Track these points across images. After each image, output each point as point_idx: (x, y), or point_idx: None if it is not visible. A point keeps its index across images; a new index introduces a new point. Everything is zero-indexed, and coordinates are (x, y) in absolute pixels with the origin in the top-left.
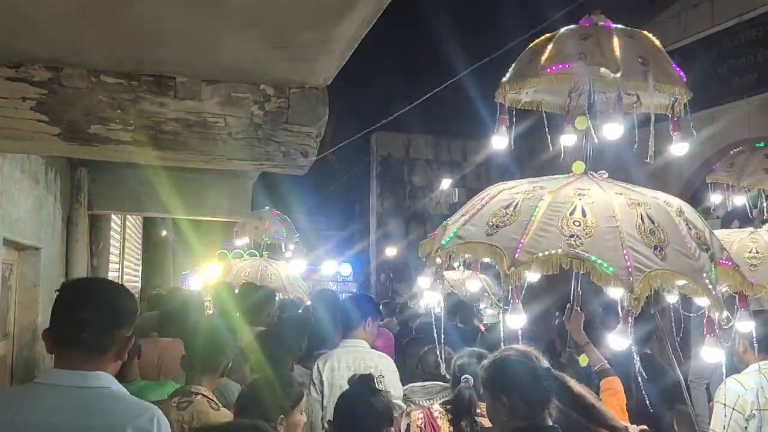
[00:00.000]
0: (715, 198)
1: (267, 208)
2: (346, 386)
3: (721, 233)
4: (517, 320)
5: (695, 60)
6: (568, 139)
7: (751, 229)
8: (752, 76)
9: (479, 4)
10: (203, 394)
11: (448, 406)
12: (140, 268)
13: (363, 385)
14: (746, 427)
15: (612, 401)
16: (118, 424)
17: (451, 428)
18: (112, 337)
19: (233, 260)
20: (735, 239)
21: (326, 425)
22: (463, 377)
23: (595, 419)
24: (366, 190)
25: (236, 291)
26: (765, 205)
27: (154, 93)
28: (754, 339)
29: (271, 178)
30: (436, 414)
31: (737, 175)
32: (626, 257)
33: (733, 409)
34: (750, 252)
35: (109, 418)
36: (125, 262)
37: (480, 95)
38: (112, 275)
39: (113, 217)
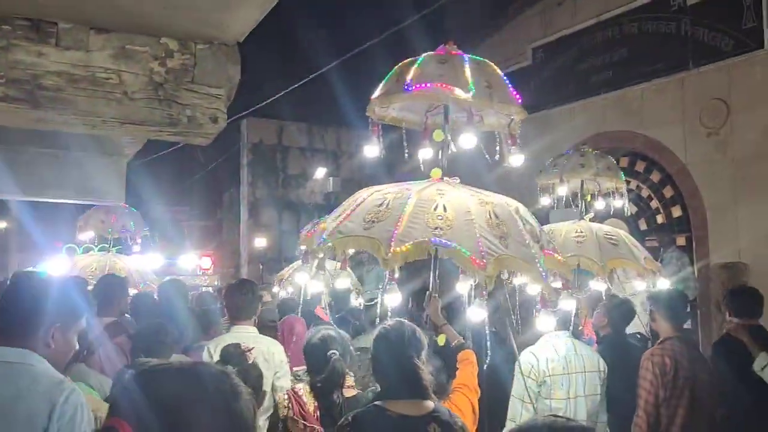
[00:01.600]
0: (543, 200)
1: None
2: None
3: (553, 225)
4: (394, 298)
5: (557, 57)
6: (425, 152)
7: (575, 220)
8: (608, 73)
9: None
10: None
11: (319, 384)
12: None
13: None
14: (539, 392)
15: (467, 369)
16: (23, 394)
17: (317, 403)
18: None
19: (79, 255)
20: (564, 226)
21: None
22: (329, 352)
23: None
24: (236, 178)
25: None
26: (583, 204)
27: (31, 40)
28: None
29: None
30: (300, 392)
31: (560, 174)
32: (480, 244)
33: (528, 377)
34: (576, 232)
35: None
36: None
37: (350, 86)
38: None
39: None
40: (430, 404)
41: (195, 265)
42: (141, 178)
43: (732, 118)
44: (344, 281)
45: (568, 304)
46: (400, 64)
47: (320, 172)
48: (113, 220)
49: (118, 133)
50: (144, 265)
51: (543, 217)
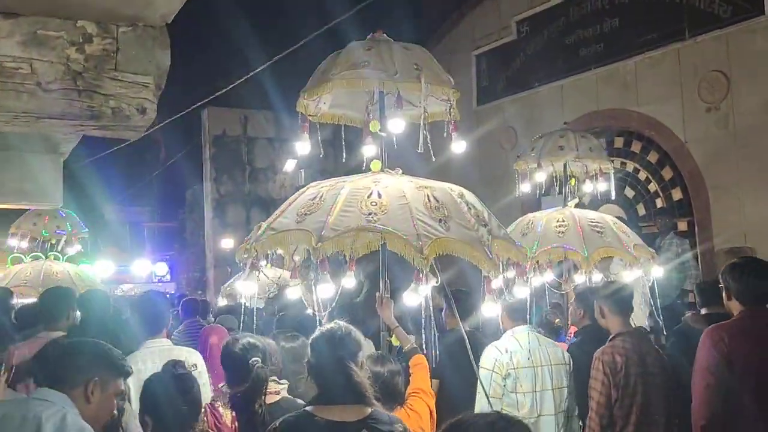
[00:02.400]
0: (524, 187)
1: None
2: None
3: (533, 214)
4: (326, 289)
5: (544, 30)
6: (368, 150)
7: (560, 207)
8: (598, 46)
9: None
10: None
11: (238, 395)
12: None
13: (171, 367)
14: (504, 385)
15: (421, 374)
16: None
17: (233, 413)
18: None
19: (10, 265)
20: (545, 214)
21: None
22: (252, 360)
23: None
24: (198, 174)
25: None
26: (568, 189)
27: None
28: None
29: (71, 163)
30: (217, 404)
31: (537, 158)
32: (416, 227)
33: (492, 371)
34: (557, 222)
35: None
36: None
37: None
38: None
39: None
40: (366, 410)
41: (149, 271)
42: (90, 179)
43: (733, 90)
44: (295, 291)
45: (522, 292)
46: (327, 57)
47: (290, 165)
48: (45, 221)
49: (34, 130)
50: (85, 269)
51: (533, 205)
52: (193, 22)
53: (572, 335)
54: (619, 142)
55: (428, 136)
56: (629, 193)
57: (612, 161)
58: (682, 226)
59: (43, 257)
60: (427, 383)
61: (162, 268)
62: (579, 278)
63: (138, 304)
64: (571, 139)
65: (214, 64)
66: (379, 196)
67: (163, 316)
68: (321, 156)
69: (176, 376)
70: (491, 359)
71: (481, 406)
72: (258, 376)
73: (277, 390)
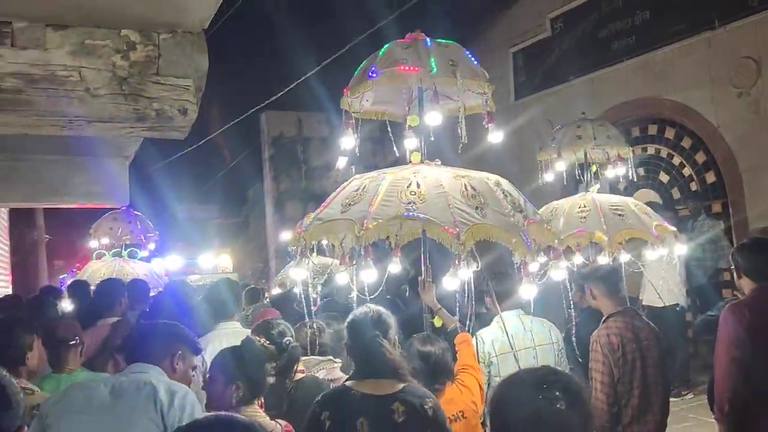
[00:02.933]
0: (548, 176)
1: (125, 208)
2: None
3: (556, 202)
4: (369, 275)
5: (577, 25)
6: (409, 143)
7: (582, 193)
8: (630, 38)
9: None
10: None
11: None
12: (8, 273)
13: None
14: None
15: (467, 350)
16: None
17: None
18: None
19: (92, 261)
20: (568, 201)
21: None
22: (285, 340)
23: None
24: (259, 173)
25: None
26: (589, 176)
27: None
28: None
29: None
30: None
31: (557, 148)
32: (454, 214)
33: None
34: (579, 208)
35: None
36: None
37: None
38: None
39: None
40: (399, 384)
41: (214, 263)
42: (163, 181)
43: (763, 75)
44: (343, 276)
45: (558, 275)
46: (368, 57)
47: (342, 162)
48: (120, 223)
49: (88, 133)
50: (155, 268)
51: (554, 195)
52: (249, 33)
53: None
54: (652, 129)
55: (465, 129)
56: (664, 178)
57: (659, 149)
58: (717, 208)
59: (119, 256)
60: (474, 359)
61: (225, 260)
62: (603, 260)
63: (210, 291)
64: (588, 129)
65: (270, 70)
66: (418, 186)
67: (231, 302)
68: (370, 152)
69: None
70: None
71: None
72: (291, 354)
73: (302, 369)
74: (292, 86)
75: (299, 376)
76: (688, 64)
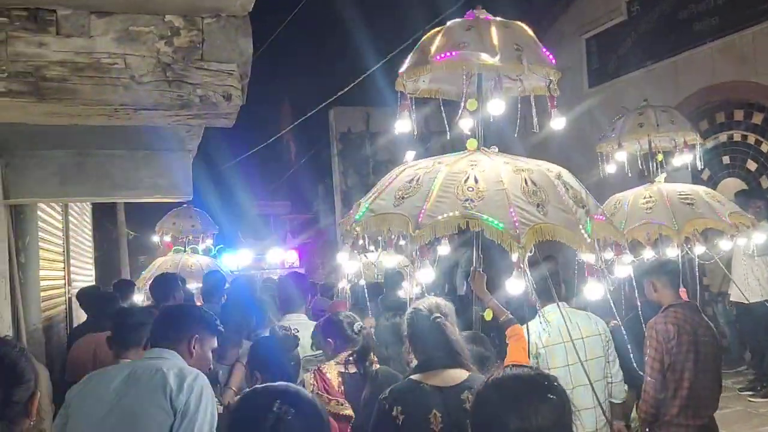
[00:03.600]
0: (609, 168)
1: (185, 205)
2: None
3: (621, 194)
4: (426, 275)
5: (655, 7)
6: (465, 123)
7: (648, 184)
8: (713, 19)
9: None
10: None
11: (353, 357)
12: (93, 267)
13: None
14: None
15: (517, 345)
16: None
17: (340, 378)
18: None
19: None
20: (632, 193)
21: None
22: (356, 326)
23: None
24: (328, 169)
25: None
26: (654, 165)
27: (30, 30)
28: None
29: (219, 166)
30: (324, 370)
31: (617, 138)
32: (513, 214)
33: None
34: (644, 199)
35: None
36: (72, 260)
37: None
38: (50, 273)
39: (45, 207)
40: (464, 373)
41: (282, 259)
42: (236, 178)
43: None
44: (392, 259)
45: (623, 271)
46: (426, 35)
47: (409, 156)
48: (182, 221)
49: (135, 120)
50: (222, 262)
51: (616, 188)
52: (316, 30)
53: None
54: (738, 114)
55: (530, 113)
56: (751, 165)
57: (745, 135)
58: None
59: (183, 251)
60: (523, 355)
61: (292, 256)
62: (672, 252)
63: (278, 285)
64: (651, 116)
65: (337, 66)
66: (476, 181)
67: (297, 295)
68: (430, 144)
69: (280, 337)
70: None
71: None
72: (366, 338)
73: (375, 360)
74: (358, 80)
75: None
76: None
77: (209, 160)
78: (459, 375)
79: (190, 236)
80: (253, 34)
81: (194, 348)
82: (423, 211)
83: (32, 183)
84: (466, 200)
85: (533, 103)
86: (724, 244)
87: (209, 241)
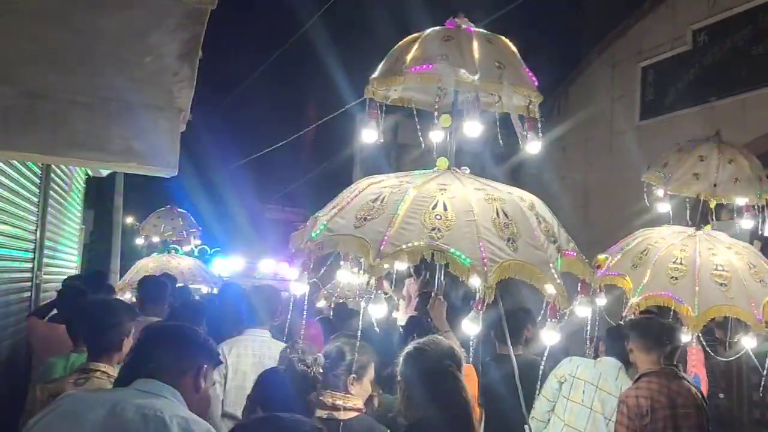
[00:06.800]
0: (662, 207)
1: (168, 206)
2: (250, 372)
3: (656, 237)
4: (378, 310)
5: (725, 39)
6: (436, 136)
7: (692, 230)
8: None
9: None
10: (102, 371)
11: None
12: (78, 255)
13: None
14: (559, 389)
15: (468, 386)
16: None
17: None
18: None
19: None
20: (666, 244)
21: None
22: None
23: None
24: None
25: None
26: (705, 207)
27: None
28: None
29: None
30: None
31: (666, 179)
32: (482, 249)
33: (554, 374)
34: (674, 262)
35: None
36: (47, 242)
37: None
38: (8, 253)
39: (18, 165)
40: None
41: (273, 270)
42: (247, 182)
43: None
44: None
45: (583, 311)
46: (403, 40)
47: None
48: (164, 223)
49: None
50: (196, 264)
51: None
52: (341, 35)
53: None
54: None
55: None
56: None
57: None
58: None
59: (167, 251)
60: (473, 396)
61: (283, 268)
62: (749, 343)
63: (246, 295)
64: (713, 166)
65: (364, 72)
66: (445, 208)
67: (265, 310)
68: (381, 141)
69: (297, 373)
70: (559, 366)
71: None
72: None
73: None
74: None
75: (349, 414)
76: None
77: (221, 162)
78: None
79: (171, 237)
80: (282, 30)
81: (201, 382)
82: (386, 238)
83: None
84: (433, 229)
85: (520, 125)
86: (747, 342)
87: (197, 241)
